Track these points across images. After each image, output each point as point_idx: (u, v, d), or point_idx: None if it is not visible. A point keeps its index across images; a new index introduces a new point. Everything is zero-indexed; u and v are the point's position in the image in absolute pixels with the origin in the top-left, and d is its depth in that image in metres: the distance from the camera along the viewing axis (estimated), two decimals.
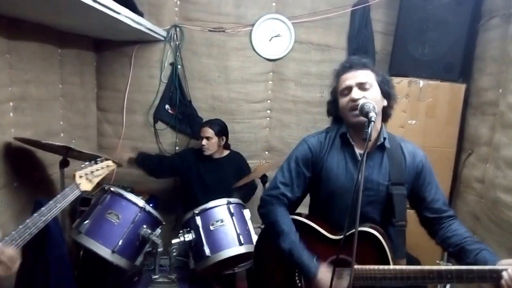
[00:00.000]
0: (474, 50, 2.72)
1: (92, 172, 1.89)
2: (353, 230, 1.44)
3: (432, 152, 2.70)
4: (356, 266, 1.42)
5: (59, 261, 2.01)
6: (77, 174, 1.82)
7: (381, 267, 1.42)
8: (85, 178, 1.85)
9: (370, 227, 1.52)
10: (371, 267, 1.43)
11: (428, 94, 2.75)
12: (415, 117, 2.77)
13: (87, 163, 1.90)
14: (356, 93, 1.52)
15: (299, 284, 1.60)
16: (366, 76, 1.55)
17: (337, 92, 1.62)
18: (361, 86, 1.53)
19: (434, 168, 1.63)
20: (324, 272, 1.49)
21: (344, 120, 1.63)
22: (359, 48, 3.09)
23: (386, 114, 1.63)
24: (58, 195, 1.66)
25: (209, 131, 2.89)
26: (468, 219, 2.56)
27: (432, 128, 2.76)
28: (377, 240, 1.48)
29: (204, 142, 2.89)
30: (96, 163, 1.94)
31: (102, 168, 1.96)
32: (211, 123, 2.94)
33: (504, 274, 1.25)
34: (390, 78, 1.63)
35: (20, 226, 1.44)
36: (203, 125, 2.97)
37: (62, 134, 2.76)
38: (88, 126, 3.20)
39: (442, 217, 1.57)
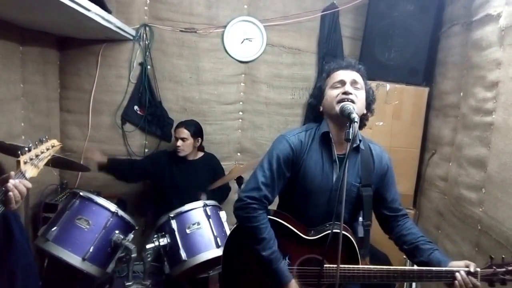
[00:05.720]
0: (437, 55, 2.89)
1: (37, 155, 1.61)
2: (329, 232, 1.54)
3: (398, 152, 2.85)
4: (326, 265, 1.49)
5: (25, 271, 1.88)
6: (22, 159, 1.54)
7: (351, 266, 1.51)
8: (30, 164, 1.58)
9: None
10: (342, 266, 1.47)
11: (394, 97, 2.88)
12: (382, 119, 2.89)
13: (30, 145, 1.60)
14: (349, 87, 1.56)
15: (270, 284, 1.60)
16: (360, 78, 1.61)
17: (327, 86, 1.64)
18: (354, 84, 1.58)
19: (400, 167, 1.76)
20: (295, 283, 1.56)
21: (327, 114, 1.64)
22: (329, 52, 3.18)
23: (362, 122, 1.67)
24: (3, 188, 1.44)
25: (184, 132, 2.85)
26: (433, 215, 2.71)
27: (398, 129, 2.90)
28: (348, 240, 1.54)
29: (180, 143, 2.85)
30: (41, 143, 1.67)
31: (48, 150, 1.69)
32: (187, 124, 2.90)
33: (457, 275, 1.42)
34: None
35: None
36: (179, 125, 2.92)
37: (23, 136, 2.60)
38: (51, 127, 3.04)
39: (398, 216, 1.70)
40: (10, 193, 1.41)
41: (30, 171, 1.57)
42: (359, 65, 1.65)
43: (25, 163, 1.55)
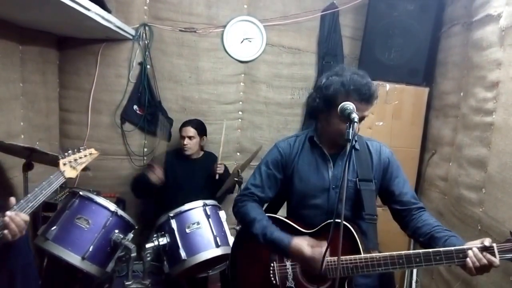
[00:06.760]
0: (437, 55, 2.88)
1: (76, 159, 1.91)
2: (329, 221, 1.55)
3: (398, 152, 2.77)
4: (328, 258, 1.47)
5: (25, 271, 1.87)
6: (61, 161, 1.83)
7: (352, 256, 1.46)
8: (69, 166, 1.87)
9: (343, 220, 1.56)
10: (343, 257, 1.46)
11: (394, 97, 2.88)
12: (382, 119, 2.89)
13: (70, 151, 1.91)
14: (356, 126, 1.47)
15: (274, 282, 1.62)
16: (370, 109, 1.55)
17: (339, 104, 1.45)
18: (362, 119, 1.51)
19: None
20: (299, 239, 1.53)
21: (327, 133, 1.63)
22: (329, 52, 3.19)
23: None
24: (43, 182, 1.67)
25: (191, 131, 2.90)
26: (433, 215, 2.70)
27: (398, 129, 2.89)
28: (349, 232, 1.51)
29: (186, 141, 2.89)
30: (79, 151, 1.96)
31: (86, 156, 1.97)
32: (193, 122, 2.95)
33: (470, 252, 1.29)
34: None
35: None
36: (185, 124, 2.95)
37: (22, 136, 2.60)
38: (50, 127, 3.03)
39: (411, 209, 1.63)
40: (6, 230, 1.45)
41: (69, 172, 1.86)
42: (376, 94, 1.54)
43: (64, 164, 1.84)
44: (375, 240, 1.62)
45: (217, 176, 2.84)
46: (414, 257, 1.36)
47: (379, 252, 1.62)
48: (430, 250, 1.34)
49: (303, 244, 1.50)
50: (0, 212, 1.57)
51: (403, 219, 1.65)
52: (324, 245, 1.42)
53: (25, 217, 1.51)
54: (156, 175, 2.80)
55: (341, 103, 1.44)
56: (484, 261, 1.27)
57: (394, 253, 1.40)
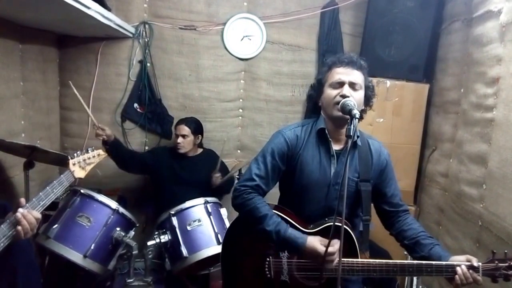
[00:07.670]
0: (437, 52, 2.88)
1: (84, 160, 1.97)
2: (328, 224, 1.56)
3: (398, 149, 2.85)
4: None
5: (27, 268, 1.88)
6: (71, 162, 1.90)
7: (350, 260, 1.51)
8: (79, 166, 1.93)
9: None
10: (342, 259, 1.47)
11: (395, 94, 2.88)
12: (382, 115, 2.89)
13: (78, 152, 1.98)
14: (347, 90, 1.56)
15: (268, 275, 1.62)
16: (359, 77, 1.59)
17: (326, 82, 1.63)
18: (352, 86, 1.57)
19: (400, 164, 1.76)
20: (312, 238, 1.54)
21: (324, 112, 1.65)
22: (329, 49, 3.17)
23: (360, 116, 1.66)
24: (54, 181, 1.71)
25: (185, 129, 2.88)
26: (433, 212, 2.72)
27: (398, 125, 2.89)
28: (347, 233, 1.54)
29: (180, 140, 2.87)
30: (87, 152, 2.03)
31: (94, 157, 2.04)
32: (187, 121, 2.92)
33: (458, 269, 1.43)
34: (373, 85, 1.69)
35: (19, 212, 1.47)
36: (179, 123, 2.94)
37: (23, 134, 2.60)
38: (51, 125, 3.04)
39: (399, 211, 1.70)
40: (19, 227, 1.47)
41: (78, 172, 1.94)
42: (360, 61, 1.62)
43: (73, 164, 1.92)
44: (367, 241, 1.66)
45: (213, 186, 2.85)
46: (408, 267, 1.49)
47: (378, 252, 1.64)
48: (423, 262, 1.49)
49: (317, 244, 1.51)
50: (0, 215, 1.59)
51: (389, 219, 1.72)
52: (336, 243, 1.47)
53: (37, 214, 1.53)
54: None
55: (328, 76, 1.62)
56: (471, 279, 1.42)
57: (390, 261, 1.52)
